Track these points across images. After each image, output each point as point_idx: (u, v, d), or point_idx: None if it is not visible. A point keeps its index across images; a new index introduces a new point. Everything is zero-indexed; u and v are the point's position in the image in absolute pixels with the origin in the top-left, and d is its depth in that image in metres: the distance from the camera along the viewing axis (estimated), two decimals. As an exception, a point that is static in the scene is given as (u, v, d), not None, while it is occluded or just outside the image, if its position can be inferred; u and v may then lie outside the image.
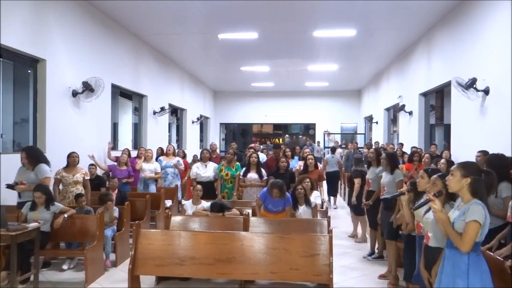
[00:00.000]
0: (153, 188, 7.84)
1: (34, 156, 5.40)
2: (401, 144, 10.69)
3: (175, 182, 8.40)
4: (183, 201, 6.46)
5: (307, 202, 5.71)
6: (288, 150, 9.13)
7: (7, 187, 5.25)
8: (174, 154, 8.73)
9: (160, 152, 9.86)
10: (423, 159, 6.98)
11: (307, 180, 6.12)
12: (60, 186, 6.16)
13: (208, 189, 7.00)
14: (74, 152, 6.22)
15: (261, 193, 5.72)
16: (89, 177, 6.28)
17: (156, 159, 8.57)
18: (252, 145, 10.46)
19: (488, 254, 3.35)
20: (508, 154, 4.93)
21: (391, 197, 4.22)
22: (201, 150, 8.07)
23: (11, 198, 5.50)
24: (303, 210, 5.65)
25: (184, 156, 9.94)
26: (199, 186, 5.98)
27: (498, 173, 4.15)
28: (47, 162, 5.47)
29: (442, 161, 5.96)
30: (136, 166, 7.96)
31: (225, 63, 13.85)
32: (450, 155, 7.72)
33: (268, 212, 5.59)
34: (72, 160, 6.14)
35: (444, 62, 8.67)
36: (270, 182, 5.78)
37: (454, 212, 2.84)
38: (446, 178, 2.89)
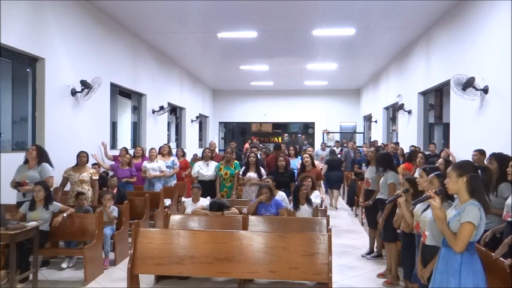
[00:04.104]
0: (158, 187, 7.82)
1: (43, 155, 5.52)
2: (397, 143, 10.63)
3: (171, 182, 8.39)
4: (183, 199, 6.46)
5: (309, 202, 5.71)
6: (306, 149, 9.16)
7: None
8: (169, 154, 8.69)
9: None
10: (418, 160, 6.97)
11: (309, 179, 6.12)
12: (69, 186, 6.21)
13: (209, 188, 7.01)
14: (83, 152, 6.29)
15: (253, 202, 5.73)
16: (97, 177, 6.29)
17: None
18: (232, 144, 10.46)
19: (489, 255, 3.36)
20: (507, 153, 4.94)
21: (389, 201, 4.22)
22: (202, 149, 8.04)
23: (10, 197, 5.50)
24: (304, 210, 5.65)
25: (183, 155, 9.92)
26: (195, 190, 5.91)
27: (502, 171, 4.19)
28: (50, 163, 5.56)
29: (440, 160, 5.96)
30: (142, 174, 7.91)
31: (224, 62, 13.83)
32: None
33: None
34: (80, 159, 6.19)
35: (443, 61, 8.67)
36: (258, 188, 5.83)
37: (451, 211, 2.86)
38: (444, 181, 2.91)
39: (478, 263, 2.72)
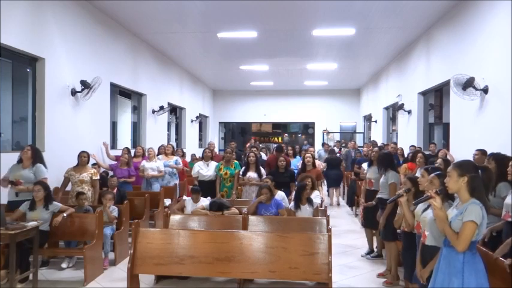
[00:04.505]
0: (156, 187, 7.82)
1: (38, 155, 5.52)
2: (395, 143, 10.65)
3: (173, 181, 8.39)
4: (184, 197, 6.46)
5: (310, 202, 5.71)
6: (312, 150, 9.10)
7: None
8: (173, 153, 8.70)
9: (164, 150, 9.82)
10: (417, 159, 6.98)
11: (309, 179, 6.11)
12: (70, 186, 6.22)
13: (209, 188, 7.01)
14: (83, 152, 6.29)
15: (252, 202, 5.73)
16: (97, 177, 6.29)
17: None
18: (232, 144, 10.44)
19: (490, 254, 3.36)
20: (507, 153, 4.94)
21: (390, 201, 4.19)
22: (202, 149, 8.04)
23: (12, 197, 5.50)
24: (304, 210, 5.65)
25: (183, 155, 9.92)
26: (195, 195, 5.88)
27: (500, 171, 4.20)
28: (44, 164, 5.56)
29: (439, 161, 5.96)
30: (140, 174, 7.89)
31: (224, 62, 13.83)
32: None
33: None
34: (80, 159, 6.19)
35: (443, 61, 8.67)
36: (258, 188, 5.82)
37: (452, 210, 2.86)
38: (444, 180, 2.90)
39: (480, 262, 2.72)
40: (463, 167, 2.80)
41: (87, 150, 6.42)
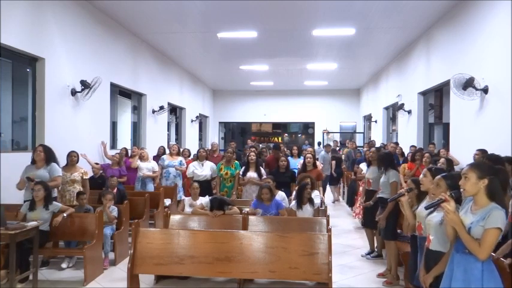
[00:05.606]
0: (150, 187, 7.83)
1: (50, 155, 5.54)
2: (397, 143, 10.65)
3: (178, 182, 8.38)
4: (183, 197, 6.48)
5: (311, 202, 5.71)
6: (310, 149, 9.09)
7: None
8: (178, 154, 8.65)
9: (163, 151, 9.81)
10: (424, 159, 6.95)
11: (308, 179, 6.10)
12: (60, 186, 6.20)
13: (205, 188, 6.99)
14: (73, 151, 6.28)
15: (253, 203, 5.72)
16: (87, 177, 6.29)
17: (159, 158, 8.55)
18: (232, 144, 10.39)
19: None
20: (507, 153, 4.94)
21: (391, 199, 4.16)
22: (198, 149, 8.05)
23: (9, 197, 5.49)
24: (306, 210, 5.64)
25: (189, 156, 9.87)
26: (195, 185, 5.99)
27: None
28: (57, 162, 5.61)
29: (442, 160, 5.95)
30: (132, 165, 7.90)
31: (224, 62, 13.84)
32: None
33: None
34: (70, 159, 6.18)
35: (443, 61, 8.67)
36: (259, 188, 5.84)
37: (466, 215, 2.67)
38: (460, 182, 2.70)
39: (495, 268, 2.61)
40: (482, 168, 2.62)
41: (84, 151, 6.41)
